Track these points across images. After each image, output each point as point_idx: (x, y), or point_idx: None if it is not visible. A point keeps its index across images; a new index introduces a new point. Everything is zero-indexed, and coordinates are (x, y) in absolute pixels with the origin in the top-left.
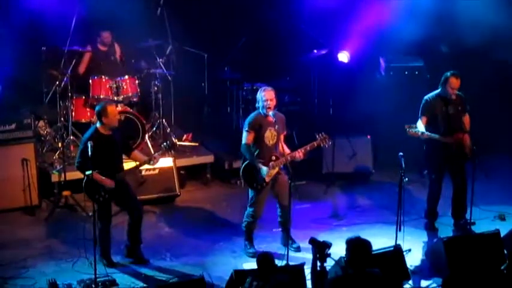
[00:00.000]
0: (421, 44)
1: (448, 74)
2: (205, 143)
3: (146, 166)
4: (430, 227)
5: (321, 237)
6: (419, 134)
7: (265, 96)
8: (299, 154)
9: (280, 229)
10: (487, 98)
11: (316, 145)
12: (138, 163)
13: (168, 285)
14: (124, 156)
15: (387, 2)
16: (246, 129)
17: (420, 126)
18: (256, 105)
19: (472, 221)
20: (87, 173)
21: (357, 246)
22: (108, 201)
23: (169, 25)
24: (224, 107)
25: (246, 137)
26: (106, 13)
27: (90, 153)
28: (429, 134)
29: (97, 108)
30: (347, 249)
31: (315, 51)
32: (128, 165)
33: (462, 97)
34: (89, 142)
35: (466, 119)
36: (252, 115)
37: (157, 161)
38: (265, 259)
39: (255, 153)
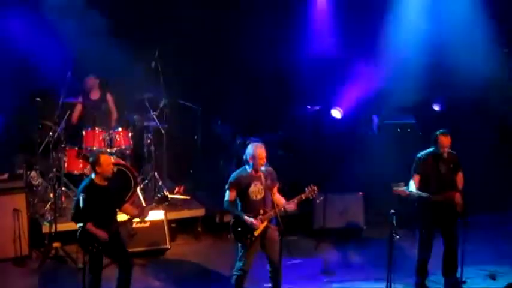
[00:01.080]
0: (413, 102)
1: (437, 132)
2: (197, 196)
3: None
4: (421, 285)
5: None
6: (406, 193)
7: (259, 155)
8: (289, 206)
9: (270, 284)
10: (479, 155)
11: (304, 197)
12: (129, 217)
13: None
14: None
15: (380, 62)
16: (228, 187)
17: (412, 185)
18: (244, 157)
19: (463, 279)
20: (79, 224)
21: None
22: (101, 253)
23: (163, 78)
24: (216, 160)
25: (228, 195)
26: (99, 64)
27: (82, 205)
28: (416, 192)
29: (91, 158)
30: None
31: (309, 106)
32: (119, 217)
33: (455, 155)
34: (81, 194)
35: (459, 177)
36: (236, 173)
37: (147, 215)
38: None
39: (243, 209)
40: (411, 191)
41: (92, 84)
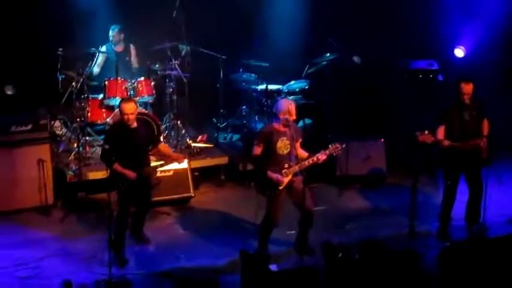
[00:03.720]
0: (435, 47)
1: (459, 80)
2: (220, 144)
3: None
4: (443, 230)
5: (335, 240)
6: (432, 139)
7: (290, 111)
8: (318, 158)
9: (294, 231)
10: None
11: (329, 153)
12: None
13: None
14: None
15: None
16: (255, 142)
17: (439, 134)
18: (274, 111)
19: (486, 227)
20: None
21: (370, 248)
22: (129, 194)
23: (184, 27)
24: (239, 108)
25: (254, 149)
26: (121, 15)
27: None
28: (442, 139)
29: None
30: (361, 253)
31: (328, 54)
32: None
33: (479, 102)
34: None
35: (484, 123)
36: (263, 128)
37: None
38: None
39: (268, 163)
40: (437, 138)
41: (117, 38)
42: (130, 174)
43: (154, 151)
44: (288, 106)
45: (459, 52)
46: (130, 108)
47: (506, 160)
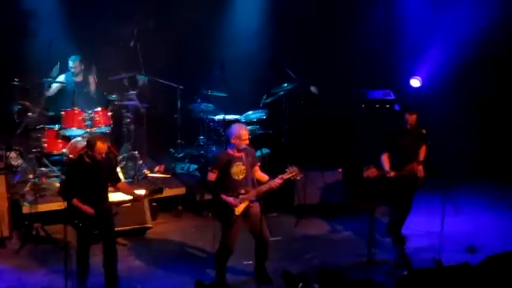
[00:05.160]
0: (392, 77)
1: (404, 110)
2: (177, 174)
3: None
4: (401, 253)
5: (293, 270)
6: (375, 173)
7: (243, 136)
8: (275, 183)
9: (251, 262)
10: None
11: (285, 177)
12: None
13: None
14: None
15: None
16: (210, 168)
17: (384, 159)
18: (227, 138)
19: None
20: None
21: (328, 279)
22: (88, 230)
23: (142, 57)
24: (196, 138)
25: (209, 175)
26: (80, 44)
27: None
28: (388, 171)
29: (89, 139)
30: (320, 283)
31: (286, 84)
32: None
33: (421, 130)
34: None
35: (423, 149)
36: (217, 154)
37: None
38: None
39: (224, 189)
40: (379, 169)
41: (78, 68)
42: (88, 210)
43: (114, 189)
44: (238, 130)
45: (415, 82)
46: (104, 148)
47: (462, 189)
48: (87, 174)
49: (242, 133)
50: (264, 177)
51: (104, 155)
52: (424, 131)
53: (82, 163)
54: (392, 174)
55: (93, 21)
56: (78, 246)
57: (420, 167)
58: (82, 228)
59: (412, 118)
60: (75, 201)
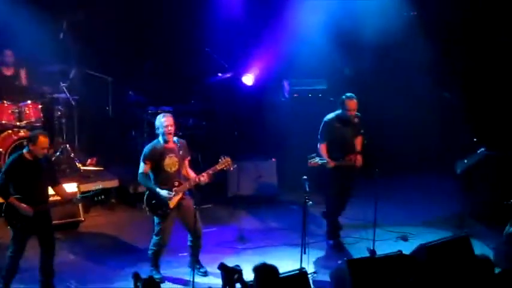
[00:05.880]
0: (324, 67)
1: (344, 96)
2: (110, 167)
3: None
4: (337, 244)
5: (228, 261)
6: (319, 163)
7: (165, 122)
8: (203, 178)
9: (186, 253)
10: (390, 117)
11: (218, 168)
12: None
13: None
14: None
15: (290, 27)
16: (142, 159)
17: (320, 150)
18: (156, 131)
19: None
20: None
21: (263, 273)
22: (25, 230)
23: (72, 49)
24: (129, 130)
25: (142, 167)
26: (8, 36)
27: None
28: (323, 161)
29: (30, 134)
30: (255, 277)
31: (220, 74)
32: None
33: (359, 118)
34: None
35: (359, 140)
36: (149, 146)
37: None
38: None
39: (158, 181)
40: (321, 160)
41: (11, 59)
42: (27, 209)
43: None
44: (161, 118)
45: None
46: (47, 143)
47: (398, 180)
48: (28, 173)
49: (163, 120)
50: (191, 173)
51: (45, 151)
52: (357, 120)
53: (22, 160)
54: (332, 164)
55: (22, 11)
56: (13, 245)
57: (358, 157)
58: (19, 229)
59: (352, 104)
60: (11, 199)
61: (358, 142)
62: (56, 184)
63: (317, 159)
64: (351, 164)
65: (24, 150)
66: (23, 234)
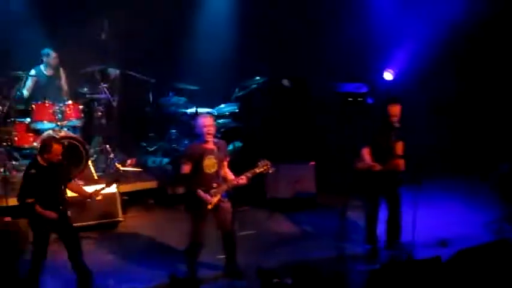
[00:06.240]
0: (366, 70)
1: (387, 101)
2: (149, 168)
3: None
4: (372, 252)
5: (265, 264)
6: (366, 166)
7: (205, 122)
8: (242, 180)
9: (224, 256)
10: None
11: (257, 171)
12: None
13: None
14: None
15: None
16: (183, 160)
17: (365, 154)
18: (196, 132)
19: (410, 245)
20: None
21: (303, 274)
22: (48, 234)
23: (113, 50)
24: (169, 131)
25: (182, 168)
26: (50, 37)
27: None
28: (374, 165)
29: (43, 141)
30: (293, 277)
31: (258, 77)
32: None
33: (402, 124)
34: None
35: (400, 145)
36: (189, 145)
37: (98, 196)
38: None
39: (196, 182)
40: (370, 164)
41: (56, 61)
42: (52, 215)
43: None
44: (201, 119)
45: (388, 75)
46: (60, 149)
47: (435, 184)
48: (46, 178)
49: (204, 121)
50: (230, 174)
51: (60, 157)
52: (398, 125)
53: (39, 167)
54: (378, 167)
55: (62, 12)
56: (35, 252)
57: (401, 162)
58: (44, 234)
59: (395, 110)
60: (37, 207)
61: (399, 147)
62: (70, 182)
63: (363, 162)
64: (392, 169)
65: (38, 157)
66: (46, 238)
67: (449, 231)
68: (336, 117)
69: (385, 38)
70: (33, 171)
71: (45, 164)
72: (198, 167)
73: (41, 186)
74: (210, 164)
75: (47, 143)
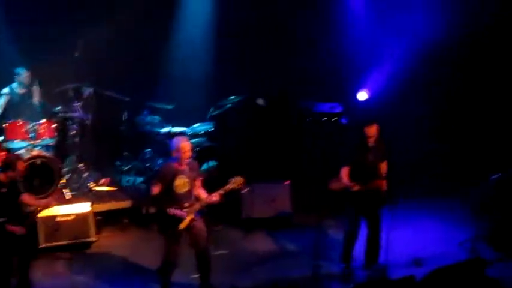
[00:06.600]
0: (340, 91)
1: (362, 124)
2: (123, 187)
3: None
4: (345, 271)
5: (240, 284)
6: (341, 186)
7: (184, 148)
8: (215, 198)
9: (198, 275)
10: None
11: (230, 187)
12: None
13: None
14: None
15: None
16: (154, 181)
17: (344, 174)
18: (171, 151)
19: (385, 265)
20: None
21: None
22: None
23: (87, 68)
24: (143, 150)
25: (153, 189)
26: (23, 54)
27: None
28: (352, 185)
29: (7, 159)
30: None
31: (233, 96)
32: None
33: (382, 144)
34: None
35: (383, 165)
36: (162, 167)
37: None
38: None
39: (168, 202)
40: (346, 185)
41: (28, 80)
42: (19, 230)
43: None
44: (178, 143)
45: (362, 95)
46: (24, 167)
47: (409, 201)
48: (7, 194)
49: (182, 146)
50: (203, 193)
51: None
52: (383, 146)
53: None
54: (356, 188)
55: (36, 30)
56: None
57: (384, 182)
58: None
59: (371, 131)
60: (8, 226)
61: (383, 168)
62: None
63: (338, 182)
64: (374, 189)
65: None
66: (11, 251)
67: (424, 250)
68: (311, 137)
69: (360, 58)
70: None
71: (5, 181)
72: (169, 187)
73: (3, 204)
74: (181, 183)
75: (12, 161)
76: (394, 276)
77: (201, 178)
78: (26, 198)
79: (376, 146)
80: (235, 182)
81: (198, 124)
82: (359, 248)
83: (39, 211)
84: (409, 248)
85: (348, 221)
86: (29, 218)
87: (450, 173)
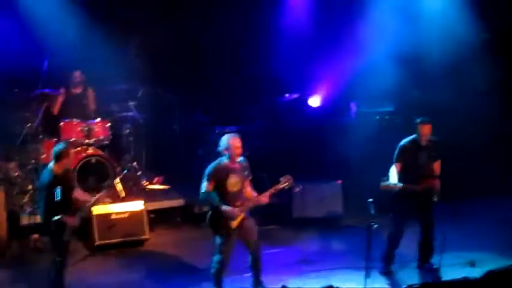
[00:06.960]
0: (392, 89)
1: (418, 120)
2: (176, 186)
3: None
4: (386, 271)
5: (291, 282)
6: (391, 187)
7: (234, 144)
8: (264, 198)
9: (250, 274)
10: (460, 142)
11: (280, 187)
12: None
13: None
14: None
15: (359, 48)
16: (207, 178)
17: (393, 172)
18: (219, 149)
19: (438, 266)
20: (56, 218)
21: None
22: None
23: (142, 68)
24: (195, 150)
25: (205, 186)
26: (78, 56)
27: (59, 197)
28: (400, 185)
29: (58, 148)
30: None
31: (287, 95)
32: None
33: (435, 143)
34: (58, 188)
35: (437, 165)
36: (213, 164)
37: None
38: None
39: (221, 200)
40: (396, 184)
41: (79, 79)
42: (74, 221)
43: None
44: (229, 140)
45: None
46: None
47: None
48: (63, 186)
49: (232, 142)
50: (252, 193)
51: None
52: (431, 144)
53: (56, 177)
54: (407, 188)
55: (92, 30)
56: (61, 261)
57: (437, 181)
58: (65, 241)
59: (425, 129)
60: (64, 218)
61: (436, 167)
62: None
63: (390, 183)
64: (427, 189)
65: (52, 165)
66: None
67: (479, 251)
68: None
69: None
70: (53, 184)
71: (60, 172)
72: (222, 185)
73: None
74: (234, 182)
75: (63, 149)
76: (447, 277)
77: (250, 178)
78: (79, 193)
79: (429, 144)
80: (285, 181)
81: (249, 124)
82: (412, 247)
83: (92, 206)
84: (462, 249)
85: (394, 223)
86: (81, 212)
87: (507, 172)
